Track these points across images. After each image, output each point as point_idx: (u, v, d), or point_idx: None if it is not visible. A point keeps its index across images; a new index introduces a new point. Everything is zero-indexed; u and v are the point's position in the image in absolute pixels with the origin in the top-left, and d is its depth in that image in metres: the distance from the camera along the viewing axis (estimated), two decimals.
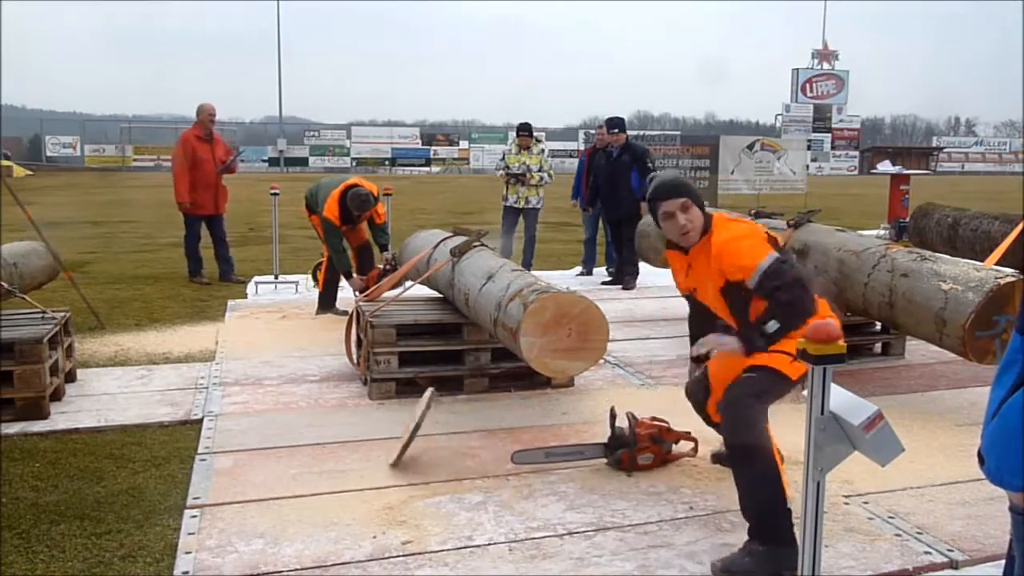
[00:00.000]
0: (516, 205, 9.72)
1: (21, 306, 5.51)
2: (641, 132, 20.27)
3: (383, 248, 7.41)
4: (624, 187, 9.13)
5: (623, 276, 9.33)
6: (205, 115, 9.41)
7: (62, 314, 5.35)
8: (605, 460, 4.05)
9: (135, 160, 41.00)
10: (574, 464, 4.07)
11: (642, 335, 6.96)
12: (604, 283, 9.50)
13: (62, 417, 4.76)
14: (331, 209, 7.07)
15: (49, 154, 42.08)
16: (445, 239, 5.99)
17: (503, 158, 10.00)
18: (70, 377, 5.38)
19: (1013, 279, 4.73)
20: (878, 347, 6.37)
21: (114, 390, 5.29)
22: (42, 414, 4.70)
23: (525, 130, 9.86)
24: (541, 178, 9.67)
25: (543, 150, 10.09)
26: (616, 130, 9.21)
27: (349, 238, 7.48)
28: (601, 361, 5.54)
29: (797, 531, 2.62)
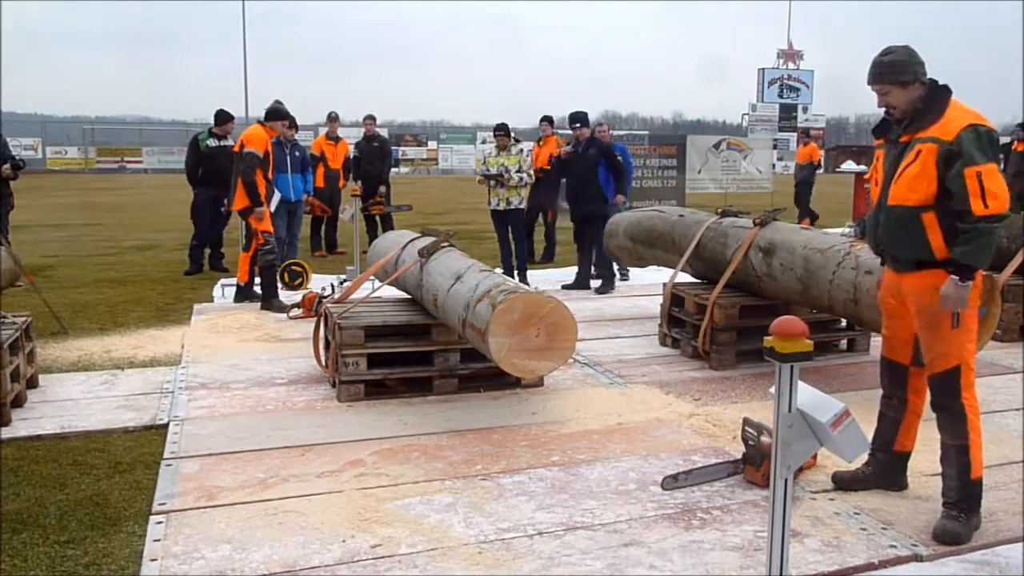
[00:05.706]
0: (499, 208, 9.40)
1: None
2: (609, 131, 20.24)
3: None
4: (592, 183, 9.00)
5: (600, 280, 9.17)
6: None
7: (23, 318, 5.25)
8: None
9: (99, 162, 40.29)
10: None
11: (611, 334, 6.99)
12: (564, 287, 9.12)
13: (24, 424, 4.67)
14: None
15: None
16: (413, 240, 5.97)
17: (484, 160, 9.77)
18: (32, 383, 5.28)
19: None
20: (843, 343, 6.45)
21: (77, 396, 5.20)
22: (3, 421, 4.61)
23: (501, 130, 9.53)
24: (520, 179, 9.34)
25: (521, 150, 9.76)
26: (578, 124, 9.06)
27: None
28: (570, 360, 5.57)
29: (765, 527, 2.64)
